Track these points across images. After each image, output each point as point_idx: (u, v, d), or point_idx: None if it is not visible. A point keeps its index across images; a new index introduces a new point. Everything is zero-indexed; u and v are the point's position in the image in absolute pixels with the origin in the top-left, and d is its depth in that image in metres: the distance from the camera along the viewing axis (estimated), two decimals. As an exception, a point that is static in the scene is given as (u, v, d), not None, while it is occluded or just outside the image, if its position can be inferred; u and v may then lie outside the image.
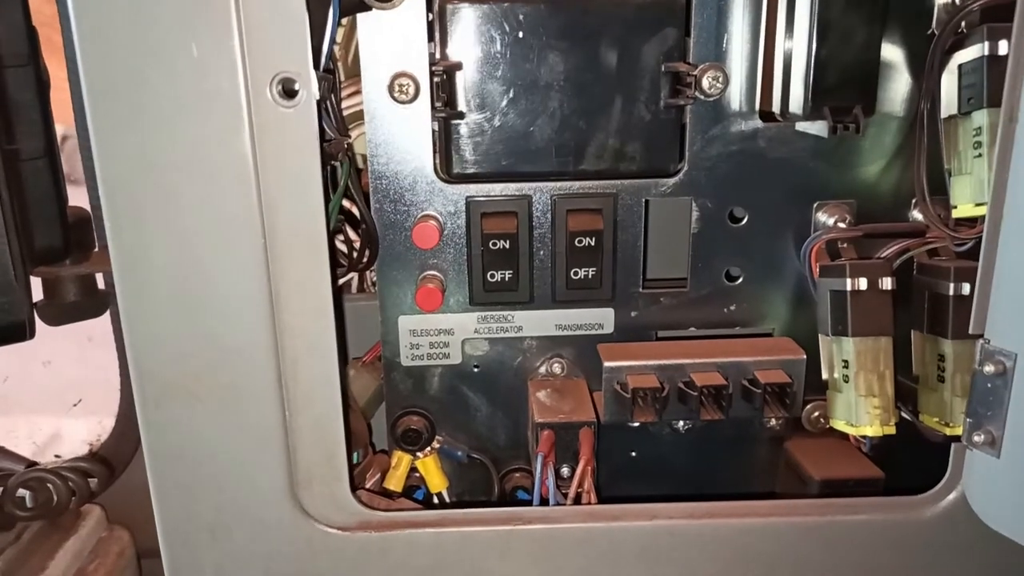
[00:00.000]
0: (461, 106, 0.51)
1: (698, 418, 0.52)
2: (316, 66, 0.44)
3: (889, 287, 0.50)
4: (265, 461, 0.48)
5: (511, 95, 0.50)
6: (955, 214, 0.49)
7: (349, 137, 0.52)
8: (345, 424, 0.49)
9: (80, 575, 0.68)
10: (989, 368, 0.44)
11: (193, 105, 0.42)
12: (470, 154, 0.52)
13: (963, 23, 0.47)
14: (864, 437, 0.52)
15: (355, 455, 0.57)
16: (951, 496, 0.49)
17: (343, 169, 0.50)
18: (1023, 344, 0.42)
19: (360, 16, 0.49)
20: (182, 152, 0.43)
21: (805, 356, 0.52)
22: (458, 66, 0.50)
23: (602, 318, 0.56)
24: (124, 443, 0.75)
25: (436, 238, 0.53)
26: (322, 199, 0.45)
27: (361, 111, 0.52)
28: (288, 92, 0.43)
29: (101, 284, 0.66)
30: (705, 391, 0.51)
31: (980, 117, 0.46)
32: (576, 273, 0.54)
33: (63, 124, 0.63)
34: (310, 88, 0.43)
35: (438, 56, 0.50)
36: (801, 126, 0.52)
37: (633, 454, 0.60)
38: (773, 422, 0.58)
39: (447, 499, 0.60)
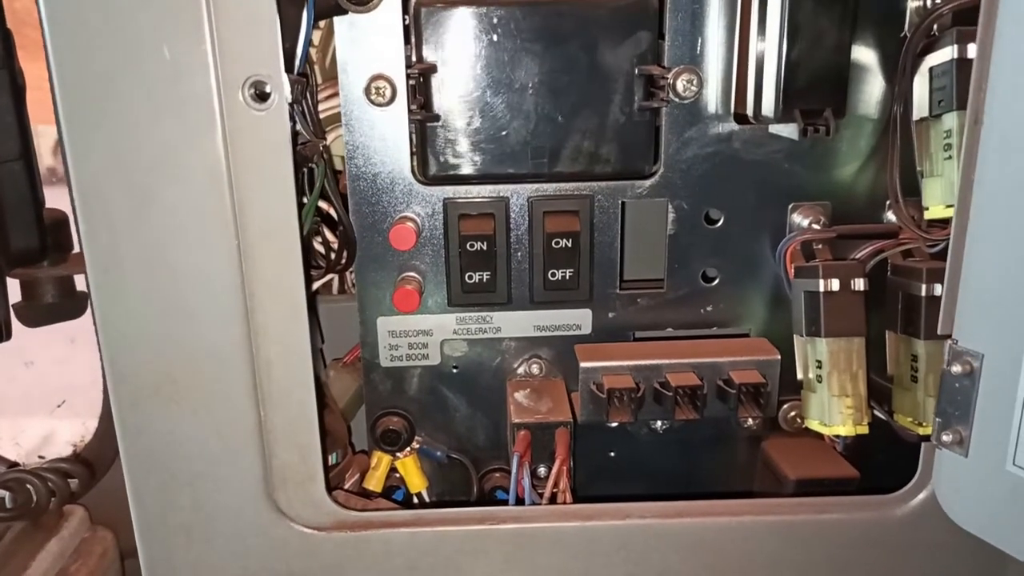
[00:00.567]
0: (437, 108, 0.51)
1: (673, 418, 0.52)
2: (290, 69, 0.44)
3: (862, 288, 0.50)
4: (240, 461, 0.49)
5: (487, 97, 0.51)
6: (927, 215, 0.50)
7: (325, 139, 0.52)
8: (321, 425, 0.50)
9: (62, 575, 0.68)
10: (957, 368, 0.44)
11: (165, 108, 0.42)
12: (446, 156, 0.52)
13: (934, 26, 0.48)
14: (837, 436, 0.53)
15: (334, 456, 0.57)
16: (922, 495, 0.50)
17: (319, 171, 0.50)
18: (990, 344, 0.43)
19: (336, 19, 0.50)
20: (155, 154, 0.43)
21: (779, 357, 0.53)
22: (434, 69, 0.50)
23: (580, 319, 0.57)
24: (107, 444, 0.74)
25: (414, 239, 0.53)
26: (295, 201, 0.45)
27: (339, 113, 0.52)
28: (260, 95, 0.43)
29: (81, 286, 0.66)
30: (680, 391, 0.51)
31: (950, 120, 0.46)
32: (553, 274, 0.55)
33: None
34: (282, 91, 0.43)
35: (414, 59, 0.51)
36: (774, 129, 0.52)
37: (612, 454, 0.60)
38: (749, 422, 0.58)
39: (427, 499, 0.60)
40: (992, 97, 0.41)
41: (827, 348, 0.51)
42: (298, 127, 0.48)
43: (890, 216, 0.54)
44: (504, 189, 0.54)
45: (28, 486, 0.66)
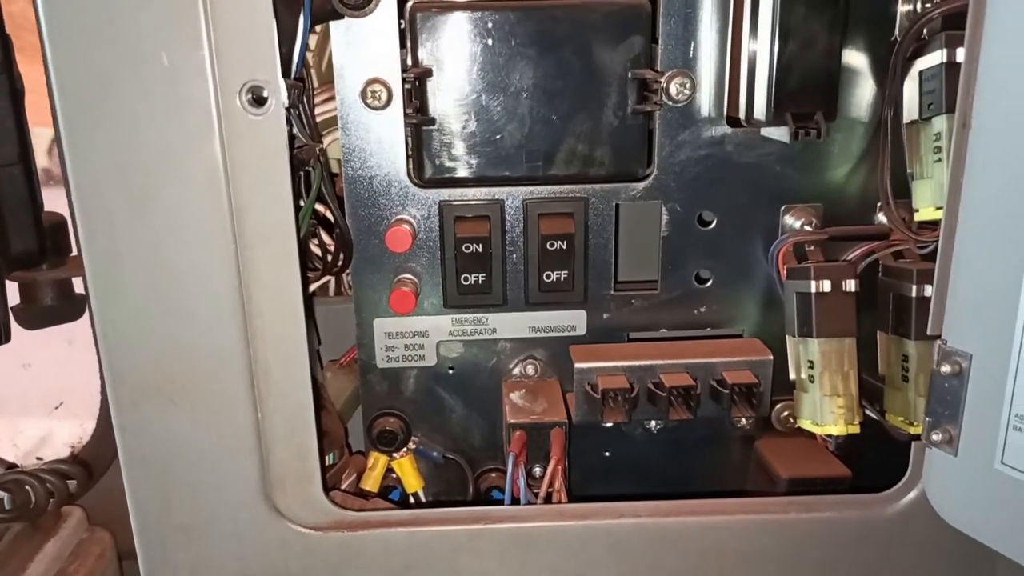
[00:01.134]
0: (433, 112, 0.51)
1: (667, 418, 0.53)
2: (287, 74, 0.45)
3: (853, 289, 0.51)
4: (238, 462, 0.49)
5: (482, 101, 0.51)
6: (917, 217, 0.50)
7: (321, 143, 0.53)
8: (319, 425, 0.50)
9: (60, 576, 0.68)
10: (946, 368, 0.45)
11: (164, 112, 0.43)
12: (442, 159, 0.52)
13: (924, 30, 0.48)
14: (829, 436, 0.54)
15: (330, 456, 0.58)
16: (912, 494, 0.50)
17: (316, 174, 0.51)
18: (978, 345, 0.43)
19: (333, 24, 0.50)
20: (153, 158, 0.44)
21: (772, 357, 0.53)
22: (429, 72, 0.51)
23: (574, 320, 0.57)
24: (105, 445, 0.75)
25: (409, 242, 0.54)
26: (292, 205, 0.45)
27: (335, 117, 0.52)
28: (257, 100, 0.43)
29: (79, 288, 0.66)
30: (674, 391, 0.52)
31: (940, 123, 0.47)
32: (548, 276, 0.55)
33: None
34: (279, 96, 0.43)
35: (410, 63, 0.51)
36: (766, 131, 0.53)
37: (607, 454, 0.61)
38: (743, 422, 0.59)
39: (423, 499, 0.61)
40: (980, 101, 0.42)
41: (819, 348, 0.51)
42: (295, 131, 0.48)
43: (881, 218, 0.55)
44: (499, 191, 0.54)
45: (27, 487, 0.66)
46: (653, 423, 0.59)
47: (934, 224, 0.50)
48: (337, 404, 0.62)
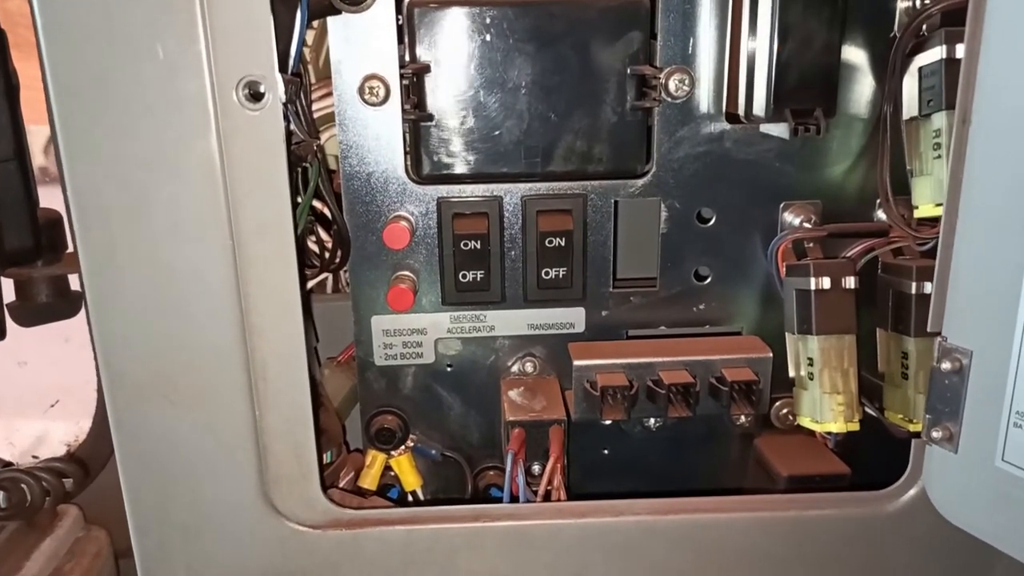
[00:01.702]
0: (431, 108, 0.51)
1: (666, 415, 0.52)
2: (284, 69, 0.44)
3: (852, 286, 0.51)
4: (236, 460, 0.49)
5: (480, 97, 0.51)
6: (917, 214, 0.50)
7: (319, 139, 0.52)
8: (317, 423, 0.50)
9: (56, 575, 0.68)
10: (946, 365, 0.45)
11: (160, 108, 0.43)
12: (440, 156, 0.52)
13: (923, 26, 0.48)
14: (829, 433, 0.53)
15: (328, 454, 0.57)
16: (912, 491, 0.50)
17: (313, 170, 0.50)
18: (979, 341, 0.43)
19: (330, 19, 0.50)
20: (149, 154, 0.43)
21: (771, 354, 0.53)
22: (427, 68, 0.50)
23: (573, 317, 0.57)
24: (101, 444, 0.74)
25: (407, 239, 0.53)
26: (289, 201, 0.45)
27: (333, 113, 0.52)
28: (254, 95, 0.43)
29: (75, 285, 0.66)
30: (673, 389, 0.52)
31: (939, 119, 0.47)
32: (547, 273, 0.55)
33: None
34: (276, 91, 0.43)
35: (407, 59, 0.51)
36: (765, 128, 0.52)
37: (606, 452, 0.61)
38: (742, 419, 0.59)
39: (421, 497, 0.61)
40: (980, 97, 0.42)
41: (818, 346, 0.51)
42: (292, 127, 0.48)
43: (880, 215, 0.55)
44: (498, 188, 0.54)
45: (22, 486, 0.66)
46: (652, 421, 0.59)
47: (933, 221, 0.50)
48: (335, 402, 0.62)
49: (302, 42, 0.47)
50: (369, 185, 0.53)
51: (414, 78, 0.51)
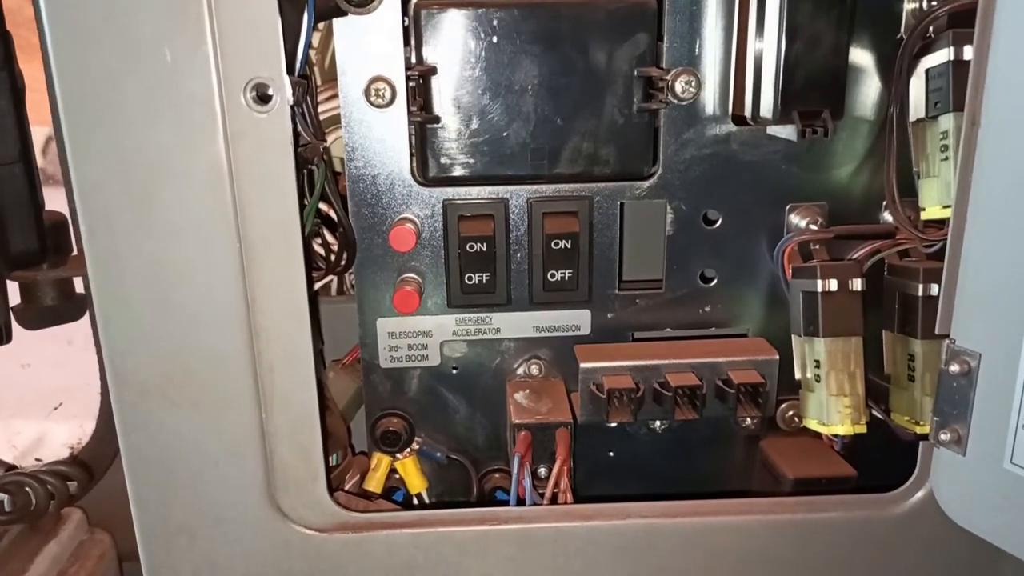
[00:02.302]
0: (437, 110, 0.51)
1: (673, 418, 0.52)
2: (291, 71, 0.44)
3: (859, 288, 0.51)
4: (242, 463, 0.49)
5: (486, 99, 0.51)
6: (923, 216, 0.50)
7: (325, 141, 0.52)
8: (323, 426, 0.50)
9: (60, 578, 0.68)
10: (955, 367, 0.45)
11: (167, 110, 0.42)
12: (446, 157, 0.52)
13: (930, 28, 0.48)
14: (836, 436, 0.53)
15: (334, 457, 0.57)
16: (920, 494, 0.50)
17: (319, 172, 0.50)
18: (987, 344, 0.43)
19: (336, 21, 0.50)
20: (157, 156, 0.43)
21: (778, 356, 0.53)
22: (433, 70, 0.50)
23: (579, 319, 0.57)
24: (105, 446, 0.74)
25: (413, 241, 0.53)
26: (297, 203, 0.45)
27: (339, 115, 0.52)
28: (262, 97, 0.43)
29: (80, 288, 0.66)
30: (679, 391, 0.52)
31: (947, 121, 0.47)
32: (553, 275, 0.55)
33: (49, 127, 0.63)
34: (284, 93, 0.43)
35: (414, 60, 0.51)
36: (772, 130, 0.52)
37: (612, 454, 0.61)
38: (748, 421, 0.59)
39: (427, 500, 0.61)
40: (989, 99, 0.42)
41: (825, 348, 0.51)
42: (298, 129, 0.48)
43: (887, 217, 0.55)
44: (503, 190, 0.54)
45: (27, 489, 0.65)
46: (658, 423, 0.59)
47: (940, 223, 0.50)
48: (340, 404, 0.62)
49: (308, 44, 0.47)
50: (375, 187, 0.53)
51: (420, 80, 0.51)
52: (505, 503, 0.54)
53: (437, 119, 0.51)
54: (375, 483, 0.59)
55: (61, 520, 0.72)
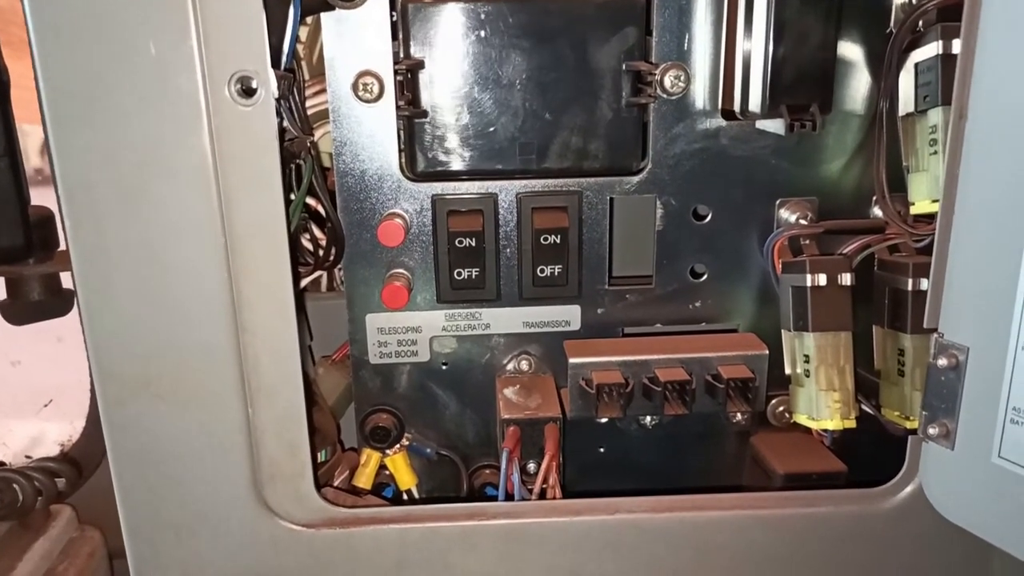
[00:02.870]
0: (425, 105, 0.51)
1: (662, 413, 0.52)
2: (276, 65, 0.44)
3: (848, 283, 0.51)
4: (228, 459, 0.48)
5: (474, 94, 0.51)
6: (913, 211, 0.50)
7: (312, 135, 0.52)
8: (311, 422, 0.49)
9: (50, 575, 0.67)
10: (943, 361, 0.45)
11: (151, 104, 0.42)
12: (434, 152, 0.52)
13: (920, 22, 0.48)
14: (825, 431, 0.53)
15: (323, 453, 0.57)
16: (909, 488, 0.50)
17: (306, 167, 0.50)
18: (975, 338, 0.43)
19: (324, 15, 0.49)
20: (141, 151, 0.43)
21: (767, 351, 0.53)
22: (421, 65, 0.50)
23: (569, 315, 0.57)
24: (95, 443, 0.74)
25: (402, 236, 0.53)
26: (282, 197, 0.45)
27: (327, 110, 0.52)
28: (246, 91, 0.43)
29: (67, 283, 0.65)
30: (669, 386, 0.52)
31: (935, 115, 0.47)
32: (542, 271, 0.55)
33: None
34: (268, 87, 0.43)
35: (402, 55, 0.50)
36: (761, 124, 0.52)
37: (601, 450, 0.60)
38: (738, 417, 0.59)
39: (416, 496, 0.60)
40: (976, 92, 0.42)
41: (814, 343, 0.51)
42: (285, 123, 0.48)
43: (877, 211, 0.55)
44: (492, 185, 0.54)
45: (14, 485, 0.65)
46: (648, 419, 0.59)
47: (930, 217, 0.49)
48: (330, 400, 0.62)
49: (295, 37, 0.47)
50: (363, 182, 0.53)
51: (408, 74, 0.50)
52: (494, 499, 0.54)
53: (425, 114, 0.51)
54: (364, 479, 0.59)
55: (51, 517, 0.71)
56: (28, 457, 0.77)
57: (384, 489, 0.60)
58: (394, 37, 0.50)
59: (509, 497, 0.52)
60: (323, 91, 0.52)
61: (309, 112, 0.54)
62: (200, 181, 0.44)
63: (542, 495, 0.52)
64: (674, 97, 0.52)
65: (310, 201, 0.52)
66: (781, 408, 0.58)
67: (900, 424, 0.52)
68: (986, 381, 0.42)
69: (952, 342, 0.44)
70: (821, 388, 0.51)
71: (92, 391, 0.75)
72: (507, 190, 0.54)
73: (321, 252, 0.55)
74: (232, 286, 0.46)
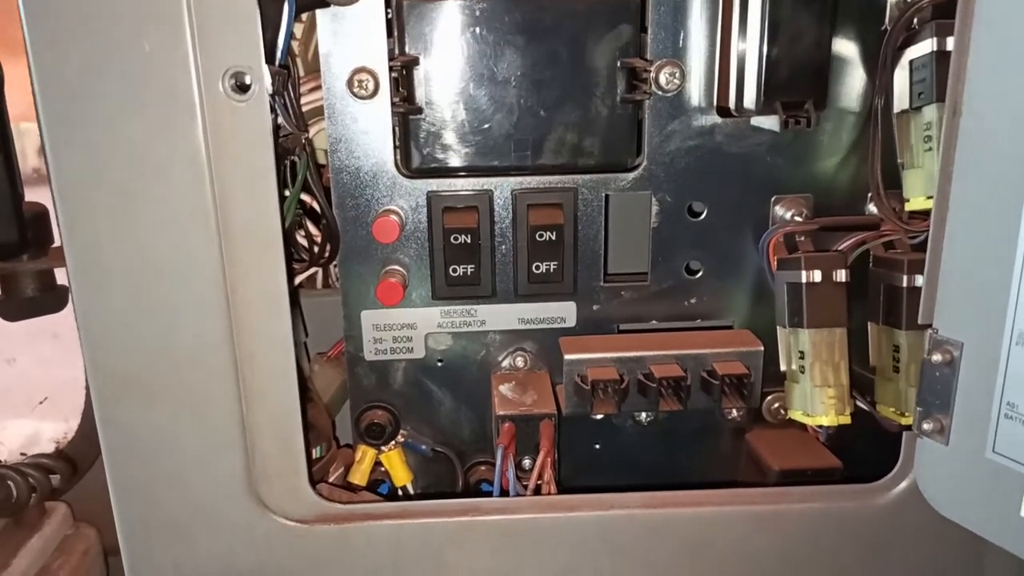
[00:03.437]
0: (420, 101, 0.51)
1: (657, 410, 0.52)
2: (271, 60, 0.44)
3: (843, 279, 0.51)
4: (223, 456, 0.48)
5: (469, 90, 0.51)
6: (908, 207, 0.50)
7: (307, 132, 0.52)
8: (306, 418, 0.49)
9: (44, 573, 0.67)
10: (937, 357, 0.45)
11: (145, 100, 0.42)
12: (430, 149, 0.52)
13: (914, 19, 0.48)
14: (820, 427, 0.53)
15: (318, 449, 0.57)
16: (903, 484, 0.50)
17: (301, 163, 0.50)
18: (969, 333, 0.43)
19: (319, 12, 0.49)
20: (135, 147, 0.43)
21: (762, 348, 0.53)
22: (416, 61, 0.50)
23: (564, 312, 0.57)
24: (90, 441, 0.74)
25: (397, 232, 0.53)
26: (276, 194, 0.45)
27: (322, 106, 0.52)
28: (240, 86, 0.43)
29: (62, 279, 0.65)
30: (664, 383, 0.52)
31: (930, 112, 0.47)
32: (538, 267, 0.55)
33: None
34: (262, 82, 0.43)
35: (397, 52, 0.50)
36: (756, 121, 0.52)
37: (597, 446, 0.60)
38: (733, 413, 0.59)
39: (412, 492, 0.60)
40: (970, 89, 0.42)
41: (809, 339, 0.51)
42: (280, 120, 0.48)
43: (872, 208, 0.55)
44: (488, 182, 0.54)
45: (8, 482, 0.65)
46: (643, 415, 0.59)
47: (925, 214, 0.49)
48: (325, 397, 0.62)
49: (290, 33, 0.47)
50: (358, 179, 0.53)
51: (403, 71, 0.50)
52: (490, 495, 0.54)
53: (420, 110, 0.51)
54: (360, 476, 0.59)
55: (46, 514, 0.71)
56: (23, 455, 0.77)
57: (379, 485, 0.60)
58: (389, 34, 0.50)
59: (504, 493, 0.52)
60: (318, 88, 0.52)
61: (304, 109, 0.54)
62: (194, 176, 0.44)
63: (537, 491, 0.52)
64: (669, 94, 0.52)
65: (305, 197, 0.52)
66: (776, 404, 0.58)
67: (895, 420, 0.52)
68: (980, 377, 0.42)
69: (946, 338, 0.44)
70: (816, 384, 0.51)
71: (87, 388, 0.75)
72: (502, 187, 0.54)
73: (316, 248, 0.55)
74: (226, 283, 0.45)
